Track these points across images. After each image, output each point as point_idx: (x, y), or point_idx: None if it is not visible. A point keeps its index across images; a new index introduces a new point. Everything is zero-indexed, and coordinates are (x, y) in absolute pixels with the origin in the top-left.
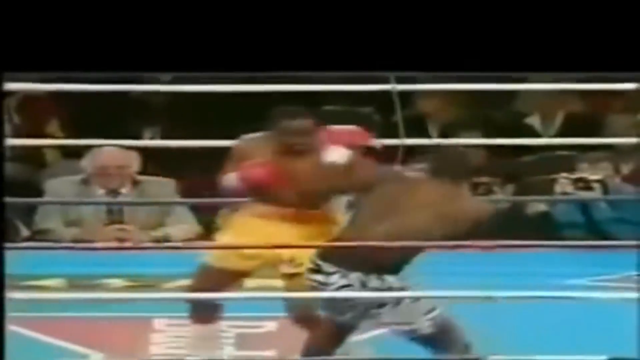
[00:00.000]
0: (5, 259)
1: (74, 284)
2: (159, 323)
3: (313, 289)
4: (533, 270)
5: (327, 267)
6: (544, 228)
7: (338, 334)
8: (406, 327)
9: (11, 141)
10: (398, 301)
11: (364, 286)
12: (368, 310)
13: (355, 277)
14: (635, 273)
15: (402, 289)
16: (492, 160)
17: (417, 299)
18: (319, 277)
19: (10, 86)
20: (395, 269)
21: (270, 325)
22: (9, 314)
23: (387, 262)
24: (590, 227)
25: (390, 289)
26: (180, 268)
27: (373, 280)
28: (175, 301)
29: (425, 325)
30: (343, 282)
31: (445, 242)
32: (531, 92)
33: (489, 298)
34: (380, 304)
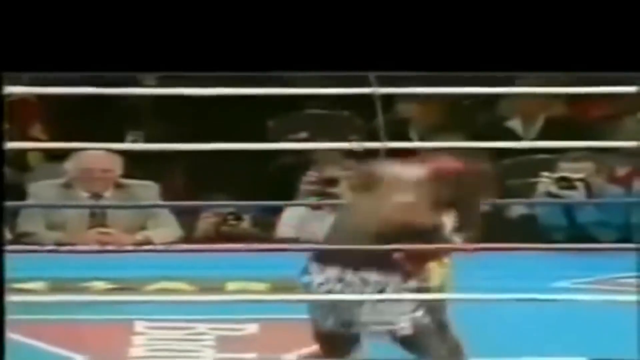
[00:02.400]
0: (5, 261)
1: (56, 287)
2: (140, 325)
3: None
4: (516, 273)
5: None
6: (527, 231)
7: (332, 344)
8: (385, 327)
9: (9, 144)
10: (377, 299)
11: (340, 282)
12: (348, 311)
13: (332, 273)
14: (618, 275)
15: (380, 284)
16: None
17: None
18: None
19: (10, 87)
20: (372, 264)
21: (252, 328)
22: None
23: (364, 257)
24: (574, 229)
25: (368, 284)
26: (163, 271)
27: (350, 276)
28: (157, 304)
29: (404, 326)
30: (319, 279)
31: (430, 245)
32: (513, 96)
33: (476, 300)
34: (360, 302)
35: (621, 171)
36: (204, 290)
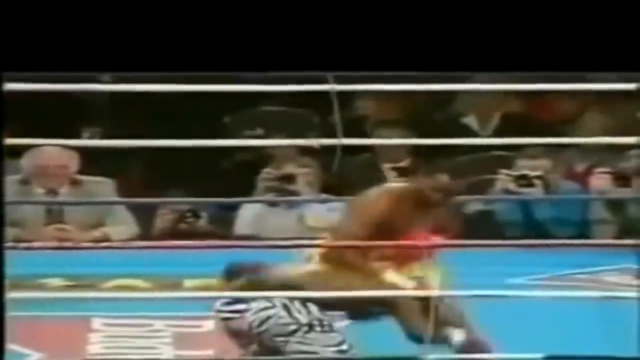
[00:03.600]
0: (5, 259)
1: (13, 284)
2: (97, 323)
3: None
4: (472, 270)
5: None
6: (484, 227)
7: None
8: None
9: (9, 141)
10: (309, 329)
11: (286, 310)
12: (283, 336)
13: (278, 301)
14: (574, 272)
15: (321, 320)
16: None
17: (327, 329)
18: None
19: (10, 86)
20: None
21: (209, 325)
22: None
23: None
24: (531, 226)
25: (312, 318)
26: (120, 268)
27: (297, 306)
28: (115, 301)
29: (331, 358)
30: (265, 304)
31: (387, 242)
32: (469, 93)
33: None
34: (293, 330)
35: (578, 168)
36: (162, 287)
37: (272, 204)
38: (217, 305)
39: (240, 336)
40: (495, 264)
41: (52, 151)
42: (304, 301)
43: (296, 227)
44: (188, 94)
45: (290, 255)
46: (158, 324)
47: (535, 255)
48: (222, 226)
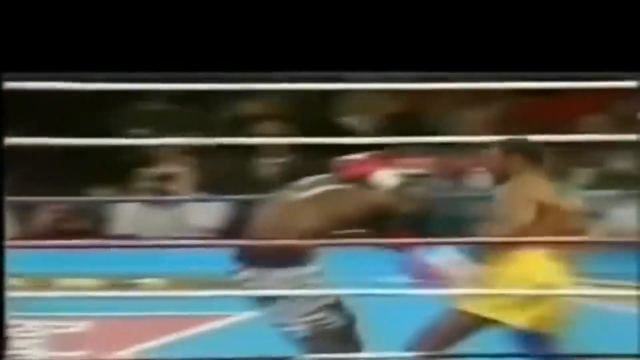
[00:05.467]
0: (5, 258)
1: None
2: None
3: None
4: (342, 269)
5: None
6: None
7: None
8: (284, 329)
9: (10, 140)
10: (275, 301)
11: (261, 280)
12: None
13: (254, 271)
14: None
15: (295, 280)
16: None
17: (296, 300)
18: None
19: (10, 86)
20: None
21: (82, 326)
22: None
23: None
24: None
25: (284, 281)
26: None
27: (267, 274)
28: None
29: (300, 328)
30: (246, 274)
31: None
32: (350, 93)
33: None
34: (264, 301)
35: (458, 165)
36: (35, 287)
37: (151, 203)
38: None
39: None
40: (368, 263)
41: None
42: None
43: (175, 226)
44: (72, 94)
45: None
46: (29, 325)
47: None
48: (101, 225)
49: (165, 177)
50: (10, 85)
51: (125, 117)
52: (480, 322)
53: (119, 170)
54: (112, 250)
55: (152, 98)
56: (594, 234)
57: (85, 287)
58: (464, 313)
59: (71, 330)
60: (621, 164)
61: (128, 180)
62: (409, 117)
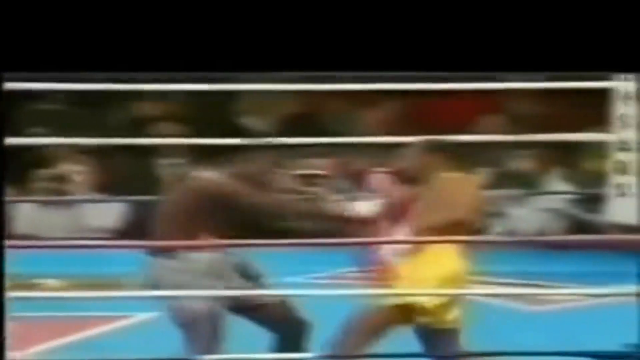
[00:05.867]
0: (5, 258)
1: None
2: None
3: None
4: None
5: None
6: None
7: None
8: (168, 315)
9: (10, 140)
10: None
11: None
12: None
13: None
14: (349, 270)
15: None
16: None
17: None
18: None
19: (10, 86)
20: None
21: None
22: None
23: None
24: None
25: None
26: None
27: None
28: None
29: (174, 315)
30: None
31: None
32: (249, 93)
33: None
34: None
35: (358, 166)
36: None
37: (46, 203)
38: None
39: None
40: (277, 263)
41: None
42: None
43: (73, 227)
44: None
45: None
46: None
47: (312, 255)
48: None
49: (61, 178)
50: (10, 85)
51: (22, 116)
52: (394, 320)
53: (16, 170)
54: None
55: (50, 98)
56: (494, 233)
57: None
58: (379, 311)
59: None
60: (518, 164)
61: (26, 180)
62: (306, 117)
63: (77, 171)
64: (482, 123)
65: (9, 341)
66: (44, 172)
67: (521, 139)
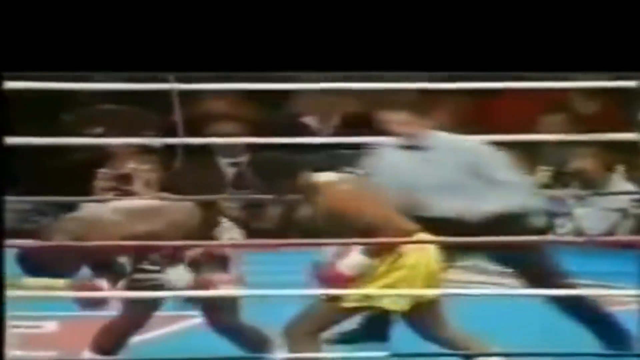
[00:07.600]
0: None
1: None
2: None
3: None
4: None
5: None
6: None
7: None
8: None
9: (10, 140)
10: None
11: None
12: None
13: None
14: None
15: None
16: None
17: None
18: None
19: (10, 85)
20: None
21: (51, 326)
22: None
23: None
24: None
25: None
26: None
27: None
28: None
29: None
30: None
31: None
32: (308, 92)
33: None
34: None
35: None
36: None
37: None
38: None
39: None
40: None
41: None
42: None
43: None
44: (27, 92)
45: None
46: None
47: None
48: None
49: (124, 177)
50: (10, 85)
51: (82, 116)
52: (354, 308)
53: (76, 170)
54: None
55: (109, 98)
56: (560, 233)
57: (55, 288)
58: (337, 298)
59: (40, 330)
60: (581, 163)
61: (86, 180)
62: (367, 117)
63: (142, 169)
64: (545, 122)
65: (9, 341)
66: (105, 171)
67: (584, 138)
